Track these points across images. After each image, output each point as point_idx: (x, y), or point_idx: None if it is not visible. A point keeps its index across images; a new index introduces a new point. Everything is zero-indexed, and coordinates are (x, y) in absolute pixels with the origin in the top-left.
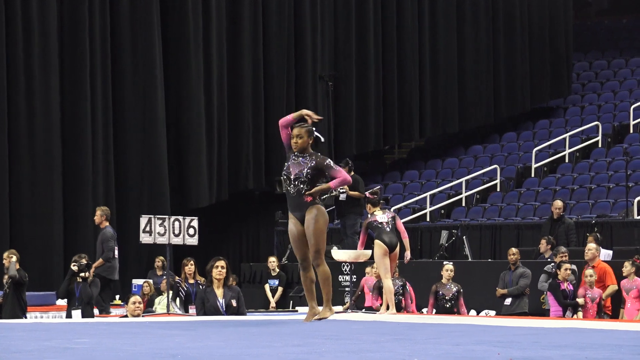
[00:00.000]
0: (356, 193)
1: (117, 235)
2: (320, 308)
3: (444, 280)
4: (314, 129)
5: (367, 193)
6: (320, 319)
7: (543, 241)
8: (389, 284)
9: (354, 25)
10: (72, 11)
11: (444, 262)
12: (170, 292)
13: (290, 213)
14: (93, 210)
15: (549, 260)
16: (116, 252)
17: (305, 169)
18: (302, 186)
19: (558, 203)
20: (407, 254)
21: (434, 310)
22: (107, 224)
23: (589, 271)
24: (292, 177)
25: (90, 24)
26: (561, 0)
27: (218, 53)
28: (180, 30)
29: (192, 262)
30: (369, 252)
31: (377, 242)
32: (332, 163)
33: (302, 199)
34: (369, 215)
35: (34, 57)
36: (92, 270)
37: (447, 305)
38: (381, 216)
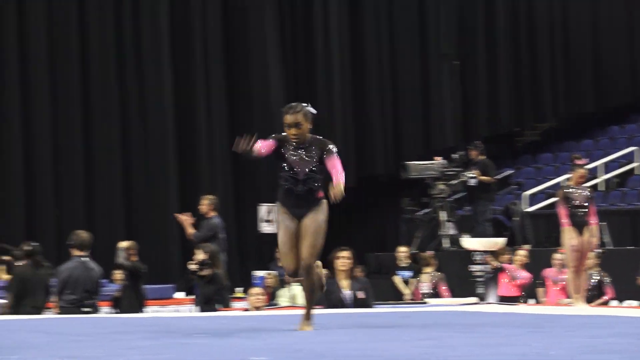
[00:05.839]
0: (487, 178)
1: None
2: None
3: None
4: (310, 108)
5: (575, 159)
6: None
7: None
8: (571, 276)
9: None
10: None
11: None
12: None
13: (287, 210)
14: None
15: None
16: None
17: (315, 165)
18: (314, 183)
19: None
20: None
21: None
22: (215, 213)
23: None
24: (300, 177)
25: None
26: None
27: (339, 31)
28: (303, 12)
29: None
30: (503, 240)
31: (569, 228)
32: (332, 148)
33: (313, 195)
34: (568, 186)
35: (143, 37)
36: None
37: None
38: (581, 195)
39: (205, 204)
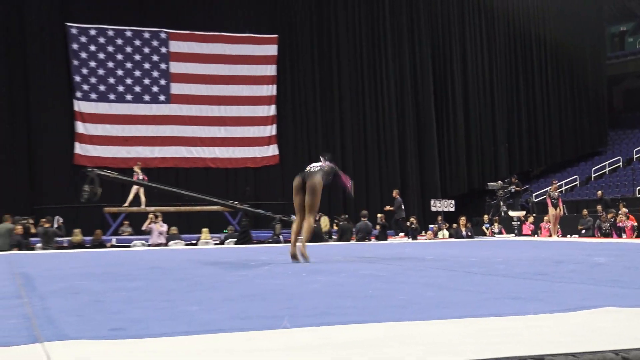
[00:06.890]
0: (518, 188)
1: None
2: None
3: None
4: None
5: (553, 181)
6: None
7: None
8: (551, 227)
9: None
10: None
11: None
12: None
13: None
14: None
15: None
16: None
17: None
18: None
19: None
20: None
21: None
22: (398, 196)
23: None
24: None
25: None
26: None
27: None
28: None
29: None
30: (525, 212)
31: (551, 207)
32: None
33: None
34: (550, 190)
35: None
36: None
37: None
38: (555, 193)
39: (395, 191)
